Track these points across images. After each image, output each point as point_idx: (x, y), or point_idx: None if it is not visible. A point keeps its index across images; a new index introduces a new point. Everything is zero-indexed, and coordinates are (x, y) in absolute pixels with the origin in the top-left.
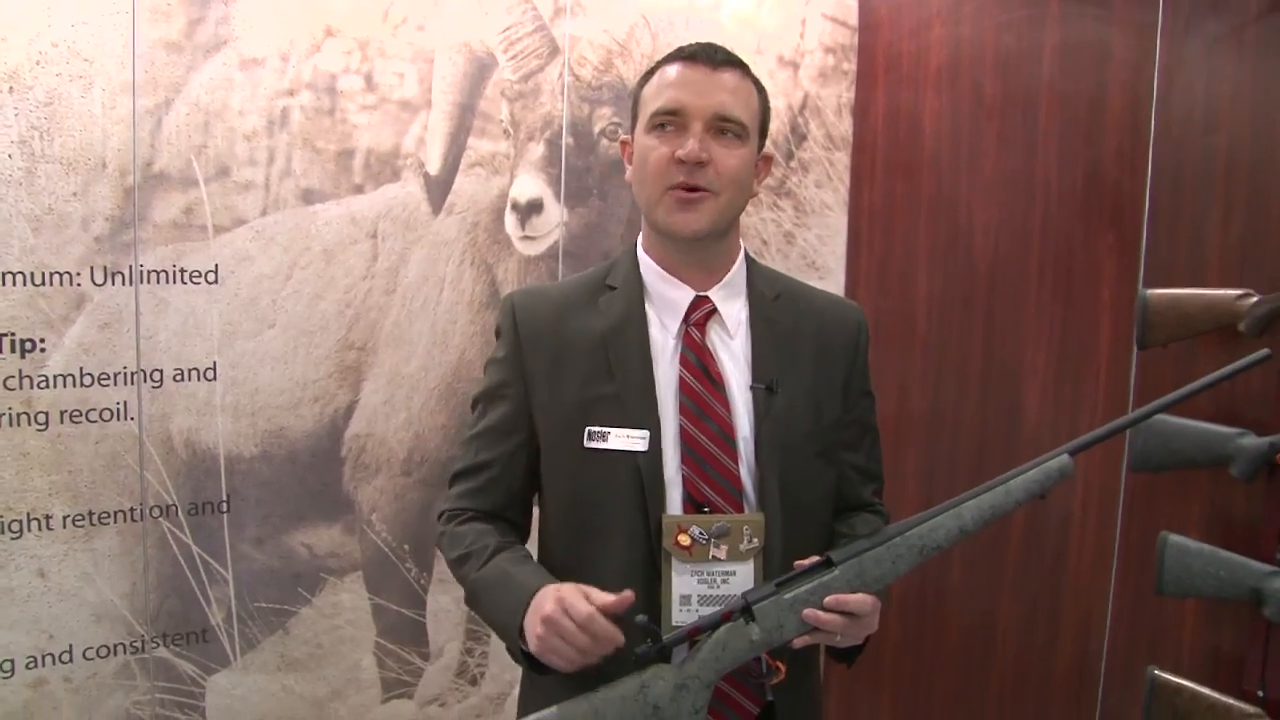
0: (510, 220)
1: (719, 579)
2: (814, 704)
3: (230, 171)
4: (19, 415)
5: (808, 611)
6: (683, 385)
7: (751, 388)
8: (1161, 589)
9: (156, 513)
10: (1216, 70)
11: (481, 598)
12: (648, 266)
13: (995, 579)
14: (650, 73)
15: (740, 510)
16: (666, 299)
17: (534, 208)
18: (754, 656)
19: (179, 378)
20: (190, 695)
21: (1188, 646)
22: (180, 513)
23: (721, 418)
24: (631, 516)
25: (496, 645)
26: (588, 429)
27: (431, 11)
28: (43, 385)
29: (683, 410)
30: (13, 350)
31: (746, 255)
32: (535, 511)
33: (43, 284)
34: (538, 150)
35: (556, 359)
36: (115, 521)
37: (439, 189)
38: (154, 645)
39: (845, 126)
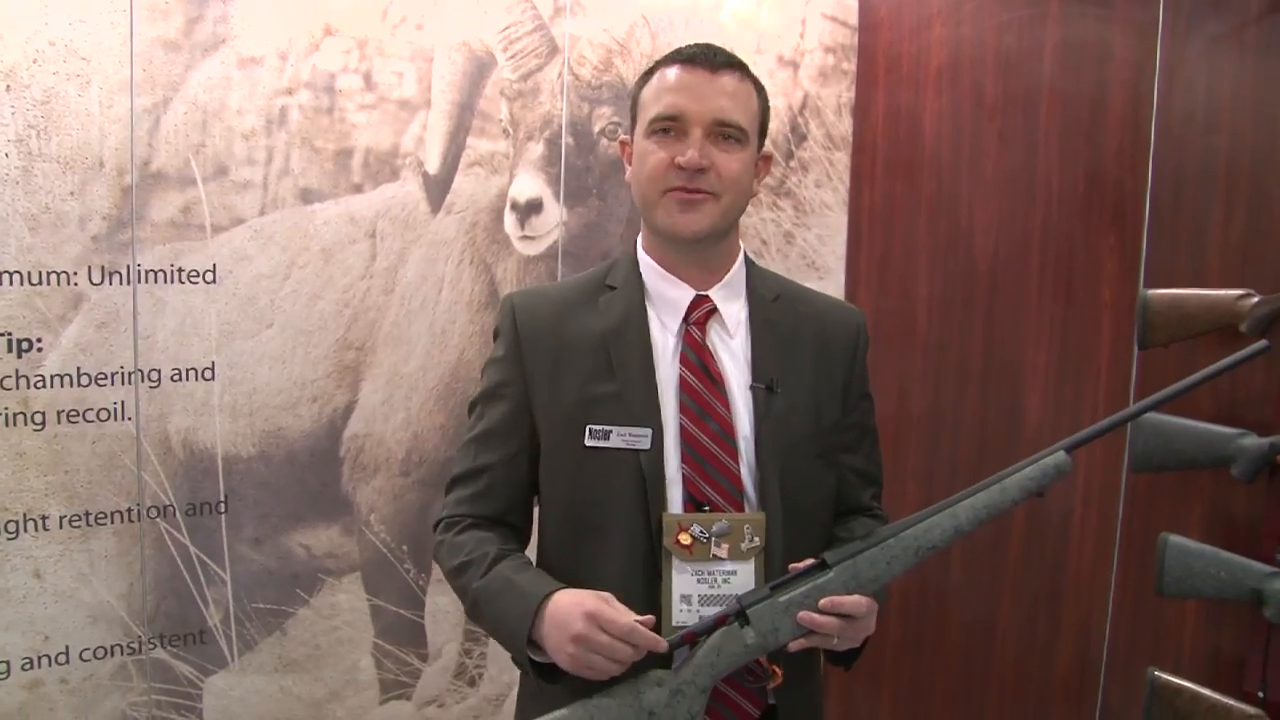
0: (509, 220)
1: (720, 578)
2: (815, 706)
3: (228, 171)
4: (15, 415)
5: (803, 614)
6: (683, 384)
7: (751, 387)
8: (1162, 589)
9: (154, 513)
10: (1217, 70)
11: (484, 608)
12: (648, 266)
13: (995, 579)
14: (649, 74)
15: (741, 510)
16: (667, 298)
17: (533, 207)
18: (750, 661)
19: (176, 378)
20: (187, 697)
21: (1188, 647)
22: (178, 513)
23: (722, 417)
24: (632, 515)
25: (495, 646)
26: (588, 427)
27: (430, 10)
28: (39, 385)
29: (683, 409)
30: (9, 350)
31: (746, 256)
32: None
33: (40, 283)
34: (537, 150)
35: (556, 358)
36: (112, 522)
37: (438, 188)
38: (151, 646)
39: (845, 126)
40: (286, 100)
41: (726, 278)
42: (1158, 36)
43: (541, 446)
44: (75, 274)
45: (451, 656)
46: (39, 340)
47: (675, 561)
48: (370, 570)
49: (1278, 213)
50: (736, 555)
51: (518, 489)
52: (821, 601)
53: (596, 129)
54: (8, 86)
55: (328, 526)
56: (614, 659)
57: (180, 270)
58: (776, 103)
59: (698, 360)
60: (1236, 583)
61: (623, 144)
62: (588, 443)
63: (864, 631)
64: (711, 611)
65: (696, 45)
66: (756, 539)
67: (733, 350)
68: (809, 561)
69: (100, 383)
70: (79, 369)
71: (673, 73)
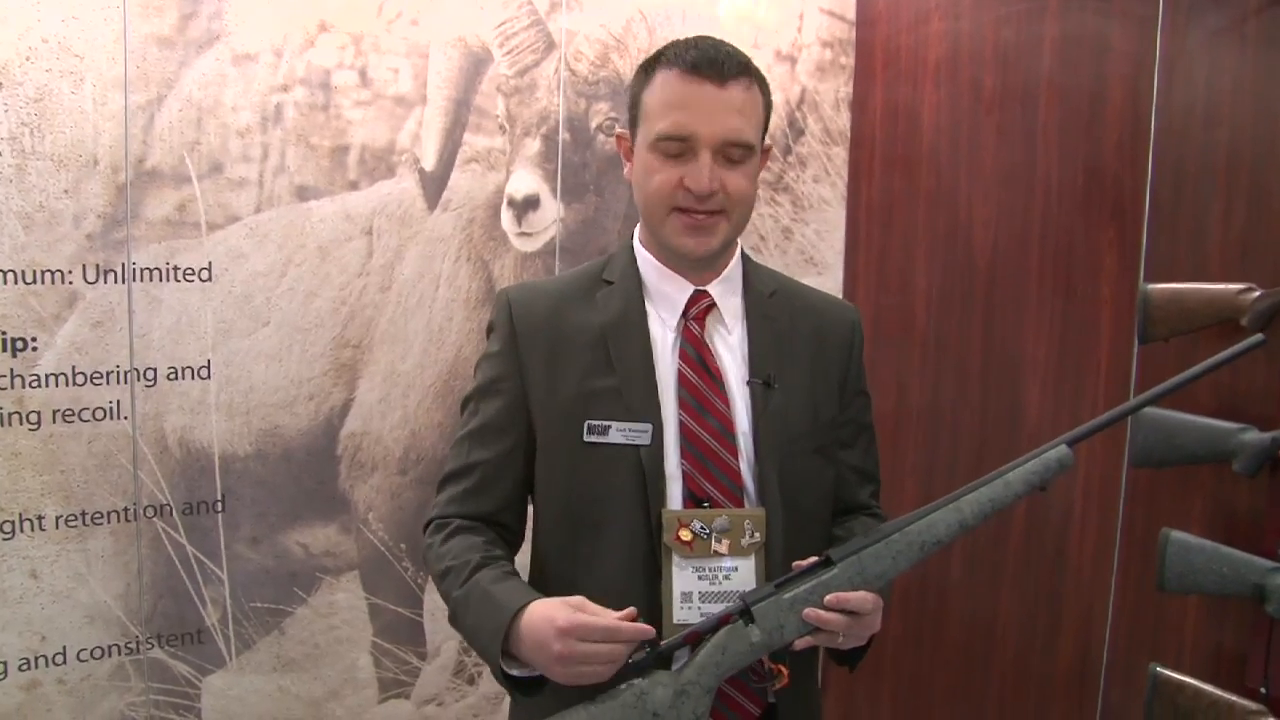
0: (506, 216)
1: (720, 575)
2: (814, 704)
3: (223, 168)
4: (10, 415)
5: (809, 611)
6: (682, 379)
7: (749, 382)
8: (1163, 585)
9: (150, 512)
10: (1218, 63)
11: (461, 619)
12: (645, 261)
13: (996, 575)
14: (650, 69)
15: (740, 506)
16: (665, 294)
17: (530, 204)
18: (755, 659)
19: (172, 376)
20: (185, 696)
21: (1189, 643)
22: (174, 512)
23: (721, 412)
24: (632, 512)
25: None
26: (587, 423)
27: (426, 6)
28: (34, 384)
29: (682, 404)
30: (4, 349)
31: (742, 251)
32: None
33: (34, 282)
34: (534, 146)
35: (554, 353)
36: (109, 522)
37: (434, 185)
38: (149, 646)
39: (843, 121)
40: (282, 97)
41: (725, 273)
42: (1157, 30)
43: (538, 443)
44: (70, 272)
45: (450, 655)
46: (34, 339)
47: (675, 558)
48: (368, 569)
49: (1278, 207)
50: (737, 551)
51: (512, 487)
52: (827, 598)
53: (594, 125)
54: (0, 84)
55: (325, 525)
56: (602, 662)
57: (176, 268)
58: (774, 97)
59: (696, 355)
60: (1238, 578)
61: (619, 138)
62: (586, 438)
63: (870, 629)
64: (713, 608)
65: (701, 48)
66: (757, 534)
67: (731, 345)
68: (813, 559)
69: (96, 382)
70: (74, 368)
71: (679, 85)
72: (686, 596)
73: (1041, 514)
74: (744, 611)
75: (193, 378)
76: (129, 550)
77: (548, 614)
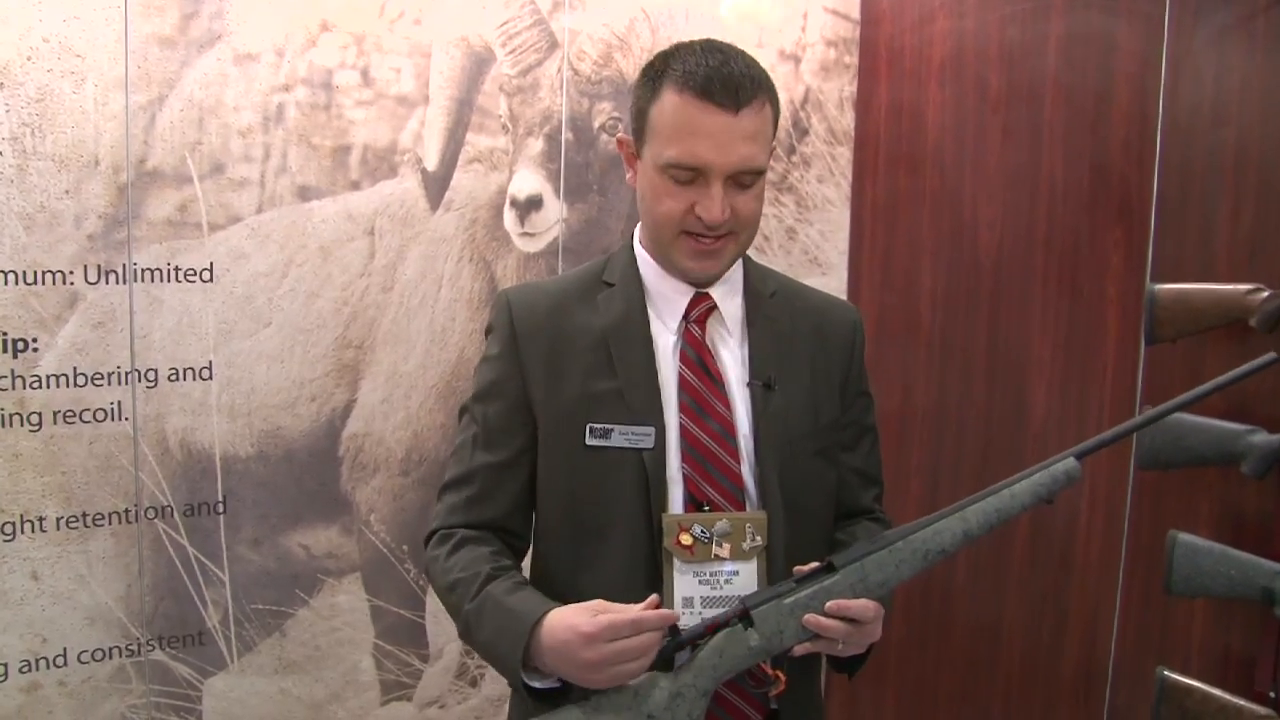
0: (509, 216)
1: (722, 579)
2: (816, 710)
3: (225, 168)
4: (11, 416)
5: (808, 617)
6: (683, 382)
7: (749, 385)
8: (1170, 588)
9: (151, 514)
10: (1225, 62)
11: (474, 633)
12: (646, 263)
13: (1001, 577)
14: (658, 80)
15: (742, 509)
16: (666, 296)
17: (533, 204)
18: (753, 664)
19: (174, 377)
20: (187, 699)
21: (1197, 646)
22: (176, 514)
23: (722, 416)
24: (634, 516)
25: None
26: (589, 426)
27: (428, 6)
28: (35, 385)
29: (683, 408)
30: (5, 350)
31: None
32: None
33: (35, 283)
34: (537, 146)
35: (555, 355)
36: (110, 523)
37: (437, 185)
38: (149, 648)
39: (847, 121)
40: (283, 97)
41: (726, 275)
42: (1164, 28)
43: (539, 444)
44: (71, 273)
45: (453, 657)
46: (34, 340)
47: (676, 563)
48: (370, 570)
49: None
50: (738, 555)
51: (518, 491)
52: (828, 604)
53: (596, 124)
54: (1, 84)
55: (327, 527)
56: (635, 657)
57: (177, 269)
58: (778, 97)
59: (697, 358)
60: (1247, 581)
61: (621, 142)
62: (588, 442)
63: (870, 637)
64: (714, 614)
65: (712, 65)
66: (758, 538)
67: (731, 348)
68: (814, 565)
69: (97, 383)
70: (75, 369)
71: (691, 111)
72: (688, 601)
73: (1047, 516)
74: (744, 615)
75: (194, 379)
76: (130, 552)
77: (570, 622)
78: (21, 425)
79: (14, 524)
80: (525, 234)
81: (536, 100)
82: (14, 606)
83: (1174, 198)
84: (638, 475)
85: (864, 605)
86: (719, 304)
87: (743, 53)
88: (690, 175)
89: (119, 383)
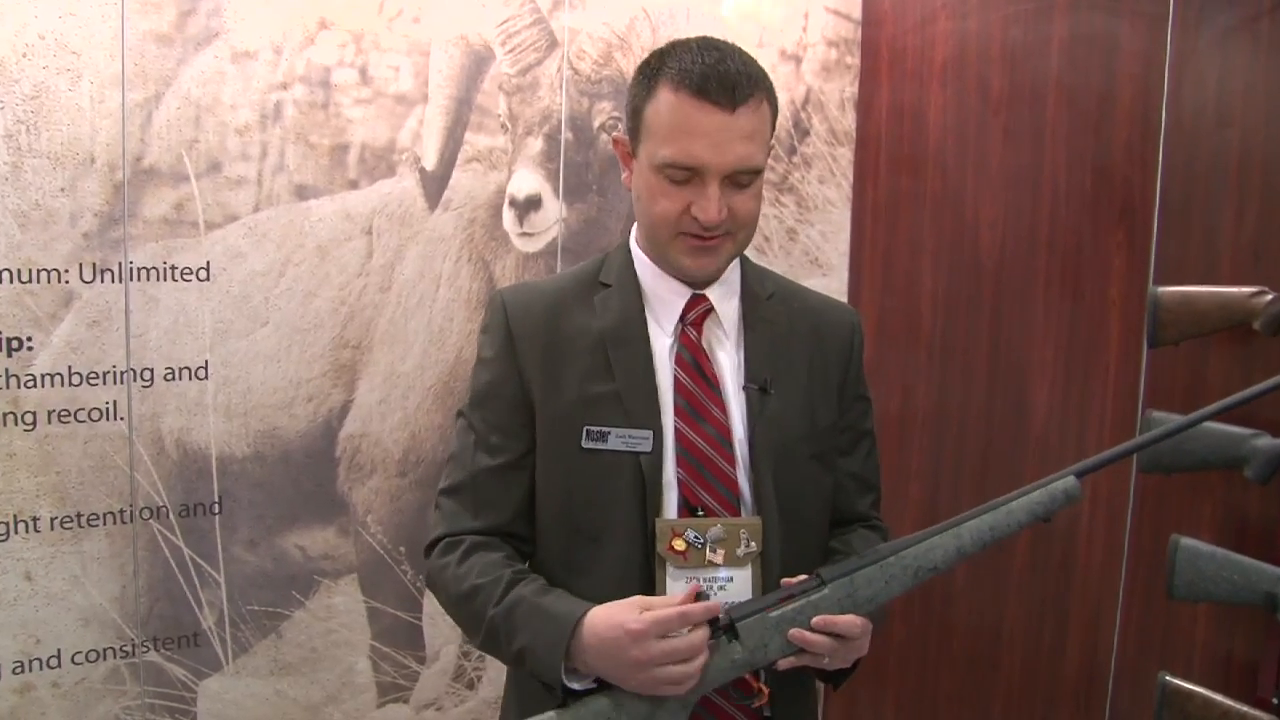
0: (508, 216)
1: (715, 586)
2: (810, 716)
3: (222, 167)
4: (5, 415)
5: (794, 632)
6: (678, 386)
7: (745, 388)
8: (1173, 593)
9: (146, 514)
10: (1229, 62)
11: (503, 637)
12: (642, 264)
13: (1002, 579)
14: (653, 78)
15: (737, 515)
16: (662, 298)
17: (532, 204)
18: (736, 676)
19: (170, 377)
20: (181, 700)
21: (1199, 651)
22: (171, 514)
23: (717, 420)
24: (630, 520)
25: None
26: (586, 428)
27: (427, 4)
28: (30, 385)
29: (678, 411)
30: None
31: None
32: None
33: (30, 281)
34: (536, 145)
35: (551, 356)
36: (104, 523)
37: (435, 184)
38: (144, 649)
39: (849, 121)
40: (281, 95)
41: (723, 277)
42: (1168, 28)
43: (537, 447)
44: (66, 272)
45: (450, 659)
46: (29, 339)
47: (670, 568)
48: (367, 572)
49: None
50: (732, 561)
51: (523, 494)
52: (814, 620)
53: (596, 124)
54: None
55: (324, 528)
56: (685, 657)
57: (173, 268)
58: (779, 97)
59: (693, 361)
60: (1250, 586)
61: (616, 141)
62: (584, 444)
63: (857, 653)
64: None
65: (708, 63)
66: (753, 544)
67: (728, 350)
68: (802, 577)
69: (92, 382)
70: (70, 368)
71: (686, 109)
72: None
73: (1051, 520)
74: (728, 627)
75: (190, 378)
76: (125, 552)
77: (617, 620)
78: (16, 425)
79: (8, 524)
80: (524, 234)
81: (536, 99)
82: (7, 607)
83: (1177, 199)
84: (634, 479)
85: (851, 621)
86: (716, 306)
87: (740, 50)
88: (686, 175)
89: (114, 382)
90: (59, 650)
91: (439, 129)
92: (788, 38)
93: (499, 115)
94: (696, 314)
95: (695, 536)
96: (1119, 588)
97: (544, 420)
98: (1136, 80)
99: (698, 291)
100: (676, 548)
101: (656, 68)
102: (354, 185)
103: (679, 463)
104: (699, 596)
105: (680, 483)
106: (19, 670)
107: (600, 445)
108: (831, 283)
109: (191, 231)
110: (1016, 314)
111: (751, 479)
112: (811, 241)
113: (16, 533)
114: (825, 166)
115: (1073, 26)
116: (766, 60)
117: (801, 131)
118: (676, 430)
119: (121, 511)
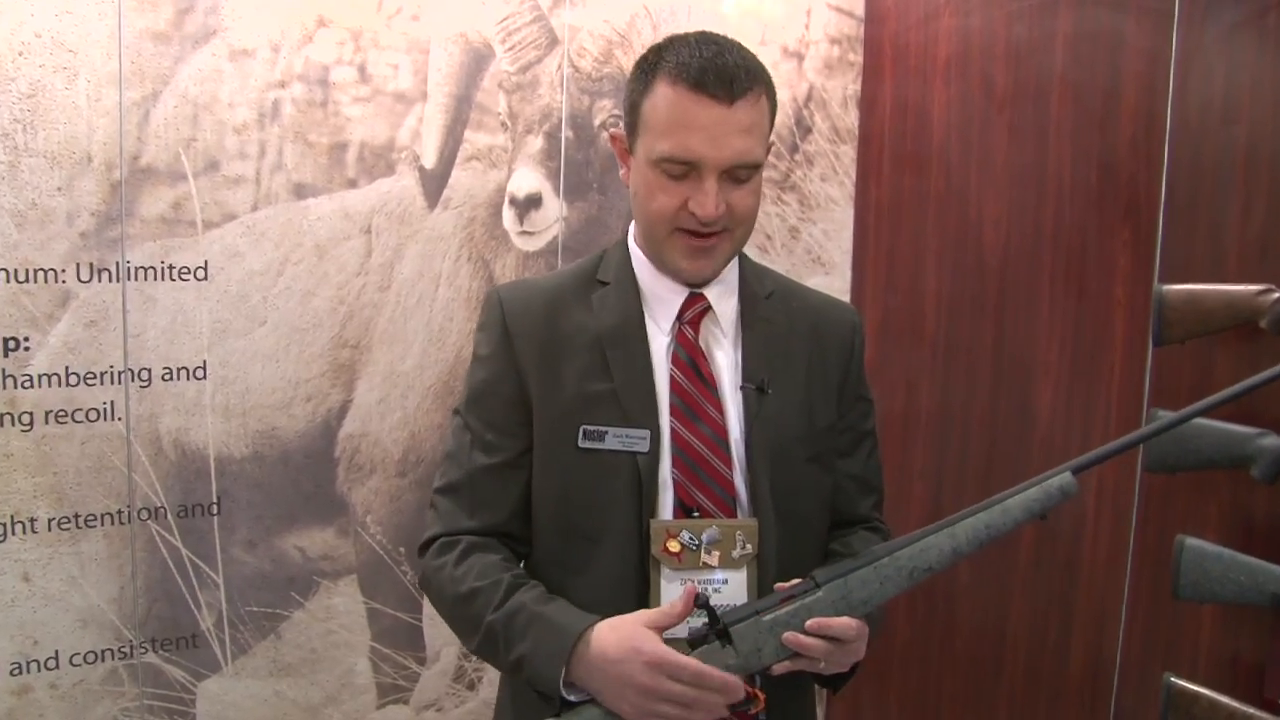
0: (508, 215)
1: (711, 588)
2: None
3: (220, 165)
4: (3, 416)
5: (788, 635)
6: (674, 385)
7: (742, 388)
8: (1178, 593)
9: (144, 515)
10: (1236, 58)
11: (502, 643)
12: (640, 262)
13: (1006, 580)
14: (651, 73)
15: (733, 516)
16: (660, 297)
17: (532, 202)
18: None
19: (167, 377)
20: (180, 702)
21: (1205, 652)
22: (169, 515)
23: (714, 420)
24: (626, 521)
25: None
26: (583, 427)
27: (427, 1)
28: (27, 385)
29: (674, 411)
30: None
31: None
32: None
33: (26, 281)
34: (536, 143)
35: (549, 354)
36: (102, 524)
37: (434, 183)
38: (143, 651)
39: (851, 119)
40: (279, 93)
41: (721, 275)
42: (1173, 24)
43: (534, 445)
44: (63, 271)
45: (450, 660)
46: (26, 339)
47: (664, 570)
48: (366, 572)
49: None
50: (728, 563)
51: (520, 493)
52: (809, 623)
53: (597, 122)
54: None
55: (323, 528)
56: (695, 711)
57: (171, 267)
58: (781, 95)
59: (690, 361)
60: (1256, 587)
61: (614, 138)
62: (581, 444)
63: (853, 656)
64: (701, 624)
65: (705, 57)
66: (748, 546)
67: (726, 349)
68: (796, 581)
69: (89, 382)
70: (67, 368)
71: (683, 103)
72: None
73: (1053, 519)
74: (722, 631)
75: (188, 378)
76: (123, 553)
77: (625, 637)
78: (13, 425)
79: (5, 525)
80: (524, 233)
81: (536, 97)
82: (5, 608)
83: (1183, 197)
84: (631, 479)
85: (846, 624)
86: (714, 305)
87: (738, 44)
88: (684, 170)
89: (112, 382)
90: (57, 652)
91: (438, 127)
92: (790, 34)
93: (499, 113)
94: (694, 313)
95: (690, 538)
96: (1124, 588)
97: (541, 418)
98: (1142, 76)
99: (695, 290)
100: (671, 549)
101: (654, 62)
102: (353, 184)
103: (674, 463)
104: (696, 597)
105: (676, 483)
106: (16, 672)
107: (597, 445)
108: (834, 281)
109: (189, 231)
110: (1021, 312)
111: (748, 480)
112: (814, 240)
113: (14, 534)
114: (828, 164)
115: (1077, 22)
116: (768, 57)
117: (804, 129)
118: (672, 430)
119: (119, 512)
